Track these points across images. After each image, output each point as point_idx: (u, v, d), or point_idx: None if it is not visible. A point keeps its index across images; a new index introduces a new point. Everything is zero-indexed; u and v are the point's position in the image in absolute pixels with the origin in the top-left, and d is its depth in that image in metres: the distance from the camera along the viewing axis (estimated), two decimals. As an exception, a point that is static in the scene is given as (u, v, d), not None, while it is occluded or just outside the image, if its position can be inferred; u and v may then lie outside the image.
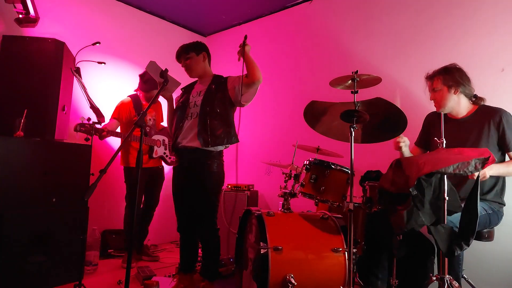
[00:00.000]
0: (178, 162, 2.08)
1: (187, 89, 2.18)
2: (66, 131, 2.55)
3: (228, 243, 2.85)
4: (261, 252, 1.59)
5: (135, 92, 2.93)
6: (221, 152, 2.04)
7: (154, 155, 2.80)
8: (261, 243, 1.61)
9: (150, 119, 2.88)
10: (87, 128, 2.23)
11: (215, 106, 1.96)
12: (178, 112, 2.10)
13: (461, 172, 1.26)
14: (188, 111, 2.04)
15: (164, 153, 2.86)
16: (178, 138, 2.03)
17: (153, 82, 2.80)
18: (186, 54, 2.07)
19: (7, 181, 1.95)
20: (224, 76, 2.13)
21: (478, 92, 1.87)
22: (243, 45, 1.90)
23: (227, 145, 2.03)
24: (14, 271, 1.93)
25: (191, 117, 2.01)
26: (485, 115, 1.76)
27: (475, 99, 1.83)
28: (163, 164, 2.94)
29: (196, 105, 2.01)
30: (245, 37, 1.93)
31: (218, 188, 2.04)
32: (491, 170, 1.58)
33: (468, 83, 1.79)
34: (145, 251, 2.92)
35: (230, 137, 1.99)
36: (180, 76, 2.96)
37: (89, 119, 2.23)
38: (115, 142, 3.25)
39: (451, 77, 1.77)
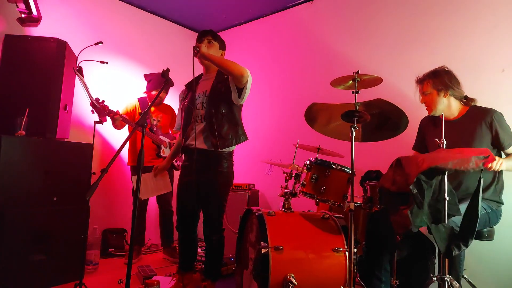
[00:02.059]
0: (188, 161, 2.05)
1: (191, 86, 2.09)
2: (68, 130, 2.55)
3: (229, 243, 2.85)
4: (262, 252, 1.59)
5: (144, 95, 3.00)
6: (231, 152, 2.03)
7: (161, 154, 2.83)
8: (262, 243, 1.61)
9: (154, 120, 2.90)
10: (99, 108, 2.30)
11: (221, 107, 1.93)
12: (185, 114, 2.07)
13: (462, 169, 1.27)
14: (195, 113, 2.00)
15: None
16: (187, 140, 2.01)
17: (155, 81, 2.85)
18: (212, 38, 2.01)
19: (8, 180, 1.96)
20: None
21: (478, 92, 1.88)
22: (198, 51, 1.81)
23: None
24: (15, 269, 1.93)
25: (199, 120, 1.98)
26: (476, 116, 1.77)
27: (466, 100, 1.85)
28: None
29: (203, 107, 1.97)
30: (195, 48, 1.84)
31: (227, 188, 2.02)
32: (504, 164, 1.57)
33: (457, 86, 1.81)
34: (170, 252, 2.93)
35: (238, 136, 1.99)
36: (179, 75, 2.97)
37: (103, 101, 2.34)
38: (116, 141, 3.26)
39: (440, 80, 1.80)
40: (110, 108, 2.45)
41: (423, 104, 1.90)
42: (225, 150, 1.95)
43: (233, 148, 2.02)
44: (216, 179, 1.95)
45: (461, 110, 1.84)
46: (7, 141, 1.97)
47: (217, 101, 1.94)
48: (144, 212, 2.91)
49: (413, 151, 2.07)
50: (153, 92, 2.88)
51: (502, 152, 1.76)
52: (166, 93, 3.03)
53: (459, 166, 1.26)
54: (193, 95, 2.05)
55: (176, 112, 2.30)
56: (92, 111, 2.38)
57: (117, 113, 2.52)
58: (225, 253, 2.68)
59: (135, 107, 2.91)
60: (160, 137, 2.85)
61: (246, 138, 2.04)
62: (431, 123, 1.96)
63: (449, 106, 1.83)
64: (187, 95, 2.10)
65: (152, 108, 2.94)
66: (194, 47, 1.83)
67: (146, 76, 2.97)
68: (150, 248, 3.26)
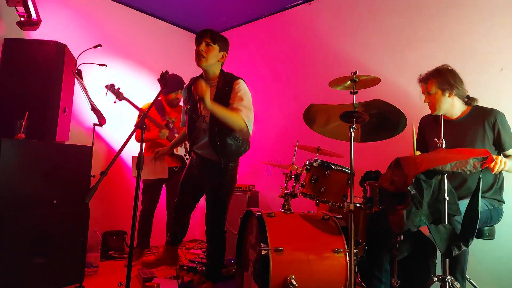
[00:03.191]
0: (195, 159, 2.09)
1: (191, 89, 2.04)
2: (67, 133, 2.55)
3: (229, 244, 2.84)
4: (262, 253, 1.59)
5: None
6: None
7: (175, 152, 2.83)
8: (262, 244, 1.61)
9: (171, 118, 2.91)
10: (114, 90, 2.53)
11: (220, 123, 1.81)
12: (188, 121, 2.01)
13: (459, 171, 1.26)
14: (198, 125, 1.96)
15: (185, 155, 2.91)
16: (194, 144, 2.03)
17: (172, 85, 2.82)
18: (211, 40, 1.84)
19: (8, 183, 1.96)
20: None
21: (477, 92, 1.88)
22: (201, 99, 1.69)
23: None
24: (14, 273, 1.93)
25: (202, 132, 1.96)
26: (479, 116, 1.77)
27: (468, 100, 1.84)
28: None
29: (205, 121, 1.92)
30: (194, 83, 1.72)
31: (232, 188, 2.06)
32: (507, 165, 1.53)
33: (461, 85, 1.80)
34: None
35: (240, 148, 1.99)
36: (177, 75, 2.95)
37: (118, 87, 2.55)
38: (116, 144, 3.26)
39: (444, 80, 1.79)
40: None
41: (427, 103, 1.87)
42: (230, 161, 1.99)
43: (238, 156, 2.05)
44: (222, 178, 1.99)
45: (464, 110, 1.84)
46: (7, 144, 1.97)
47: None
48: (152, 215, 2.91)
49: (417, 151, 2.06)
50: (171, 95, 2.88)
51: (501, 154, 1.76)
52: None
53: (456, 168, 1.25)
54: (194, 103, 1.97)
55: None
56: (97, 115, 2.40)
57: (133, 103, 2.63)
58: (225, 254, 2.68)
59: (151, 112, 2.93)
60: (175, 134, 2.85)
61: (247, 148, 2.06)
62: (431, 122, 1.95)
63: (452, 106, 1.82)
64: (189, 101, 2.03)
65: (168, 109, 2.96)
66: (197, 95, 1.69)
67: (159, 80, 2.96)
68: (150, 250, 3.25)
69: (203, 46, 1.85)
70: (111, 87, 2.60)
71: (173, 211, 2.16)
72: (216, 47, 1.87)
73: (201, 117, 1.95)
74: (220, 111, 1.73)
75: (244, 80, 1.93)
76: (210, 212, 2.02)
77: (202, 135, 1.97)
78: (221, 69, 1.96)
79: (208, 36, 1.85)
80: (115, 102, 2.63)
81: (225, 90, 1.86)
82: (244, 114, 1.76)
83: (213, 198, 2.01)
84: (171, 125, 2.86)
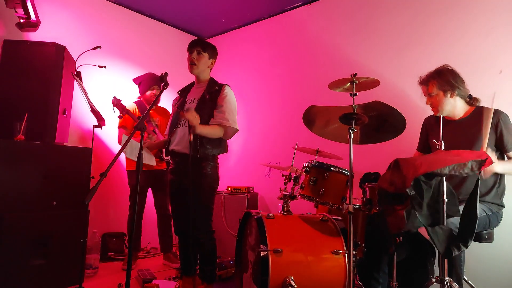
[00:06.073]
0: (173, 164, 2.10)
1: (184, 92, 2.19)
2: (67, 134, 2.55)
3: (228, 246, 2.85)
4: (261, 255, 1.59)
5: (138, 99, 2.99)
6: (214, 156, 2.05)
7: (164, 157, 2.83)
8: (261, 246, 1.61)
9: (154, 121, 2.91)
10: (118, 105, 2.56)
11: (205, 117, 1.97)
12: (173, 117, 2.13)
13: (457, 173, 1.27)
14: (181, 119, 2.05)
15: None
16: (171, 143, 2.06)
17: (146, 82, 2.86)
18: (201, 49, 2.05)
19: (7, 184, 1.96)
20: (221, 81, 2.13)
21: (476, 94, 1.88)
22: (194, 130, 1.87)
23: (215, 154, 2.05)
24: (14, 274, 1.93)
25: (184, 124, 2.03)
26: (482, 116, 1.76)
27: (470, 100, 1.83)
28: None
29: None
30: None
31: (212, 190, 2.04)
32: (498, 167, 1.55)
33: (462, 85, 1.79)
34: (170, 257, 2.91)
35: (217, 147, 2.01)
36: (177, 78, 2.98)
37: (120, 100, 2.61)
38: (115, 145, 3.26)
39: (445, 81, 1.77)
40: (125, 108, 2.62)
41: (429, 105, 1.86)
42: (207, 154, 1.99)
43: (216, 152, 2.04)
44: (200, 181, 1.97)
45: (467, 110, 1.83)
46: (6, 146, 1.97)
47: (203, 111, 1.98)
48: (140, 217, 2.89)
49: (417, 152, 2.06)
50: (148, 93, 2.90)
51: (505, 155, 1.74)
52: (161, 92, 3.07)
53: (455, 171, 1.26)
54: (183, 101, 2.11)
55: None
56: (99, 120, 2.40)
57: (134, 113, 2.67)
58: (225, 256, 2.68)
59: (134, 110, 2.91)
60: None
61: (225, 151, 2.08)
62: (434, 123, 1.93)
63: (454, 106, 1.81)
64: (179, 101, 2.16)
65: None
66: (189, 128, 1.86)
67: (135, 80, 3.00)
68: (150, 252, 3.25)
69: (194, 55, 2.04)
70: (117, 103, 2.59)
71: (177, 235, 2.14)
72: (206, 55, 2.07)
73: (185, 110, 2.03)
74: (208, 132, 1.95)
75: (229, 86, 2.11)
76: (194, 215, 1.97)
77: (182, 129, 2.02)
78: (210, 76, 2.15)
79: (199, 45, 2.06)
80: (119, 117, 2.68)
81: (214, 89, 2.06)
82: (227, 120, 1.98)
83: (195, 199, 1.96)
84: (156, 130, 2.87)
